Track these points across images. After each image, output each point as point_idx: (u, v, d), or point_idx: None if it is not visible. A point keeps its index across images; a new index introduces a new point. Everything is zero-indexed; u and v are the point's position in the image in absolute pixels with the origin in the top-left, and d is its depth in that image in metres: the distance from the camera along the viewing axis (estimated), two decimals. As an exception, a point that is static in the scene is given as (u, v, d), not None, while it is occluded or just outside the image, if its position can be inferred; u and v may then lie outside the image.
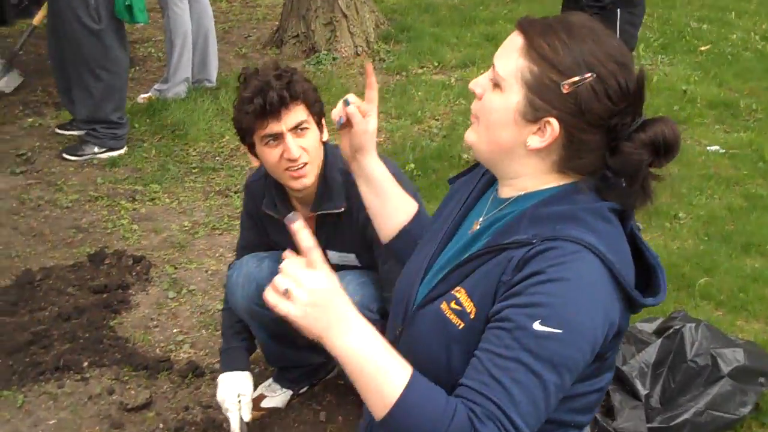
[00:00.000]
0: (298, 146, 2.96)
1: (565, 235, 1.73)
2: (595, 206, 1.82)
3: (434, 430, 1.66)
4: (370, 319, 3.06)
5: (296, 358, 3.58)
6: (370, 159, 2.20)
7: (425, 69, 7.70)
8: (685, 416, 3.36)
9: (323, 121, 3.12)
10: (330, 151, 3.16)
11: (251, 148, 3.08)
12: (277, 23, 8.63)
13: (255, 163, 3.15)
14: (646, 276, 1.89)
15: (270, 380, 3.68)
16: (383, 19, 8.60)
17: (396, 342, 1.96)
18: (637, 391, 3.41)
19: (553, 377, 1.69)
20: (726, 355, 3.50)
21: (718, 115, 6.78)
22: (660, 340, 3.52)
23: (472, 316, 1.79)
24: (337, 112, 2.16)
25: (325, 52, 7.85)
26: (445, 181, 5.34)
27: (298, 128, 2.98)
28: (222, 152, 6.07)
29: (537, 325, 1.67)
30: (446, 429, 1.65)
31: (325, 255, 3.21)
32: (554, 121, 1.78)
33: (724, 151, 6.13)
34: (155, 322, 4.19)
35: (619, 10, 4.72)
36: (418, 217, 2.31)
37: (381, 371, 1.70)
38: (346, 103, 2.14)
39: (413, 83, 7.30)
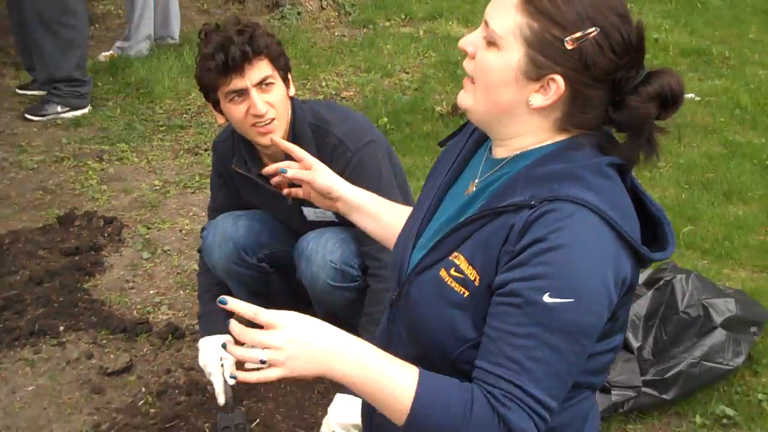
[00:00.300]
0: (264, 101, 2.87)
1: (563, 195, 1.65)
2: (593, 162, 1.74)
3: (457, 422, 1.64)
4: (350, 275, 3.02)
5: (278, 317, 3.48)
6: (344, 192, 2.25)
7: (392, 22, 7.57)
8: (680, 368, 3.31)
9: (289, 76, 3.02)
10: (298, 106, 3.07)
11: (216, 104, 2.98)
12: (237, -21, 8.44)
13: (221, 121, 3.04)
14: (652, 229, 1.82)
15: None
16: (348, -28, 8.44)
17: (394, 305, 1.95)
18: (629, 343, 3.35)
19: (572, 346, 1.64)
20: (718, 305, 3.45)
21: (691, 63, 6.74)
22: (651, 292, 3.47)
23: (476, 284, 1.72)
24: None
25: (290, 6, 7.67)
26: (419, 134, 5.33)
27: (263, 83, 2.87)
28: (189, 109, 5.93)
29: (547, 298, 1.60)
30: (469, 418, 1.63)
31: (301, 212, 3.14)
32: (559, 78, 1.68)
33: (699, 98, 6.09)
34: (131, 284, 4.06)
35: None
36: None
37: (388, 382, 1.68)
38: (283, 171, 2.26)
39: (381, 36, 7.17)
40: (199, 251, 3.46)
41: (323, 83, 6.36)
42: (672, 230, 1.81)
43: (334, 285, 3.06)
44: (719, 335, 3.39)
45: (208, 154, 5.22)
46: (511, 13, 1.70)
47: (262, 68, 2.86)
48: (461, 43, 1.82)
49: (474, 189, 1.90)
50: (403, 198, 3.08)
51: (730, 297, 3.51)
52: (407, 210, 2.27)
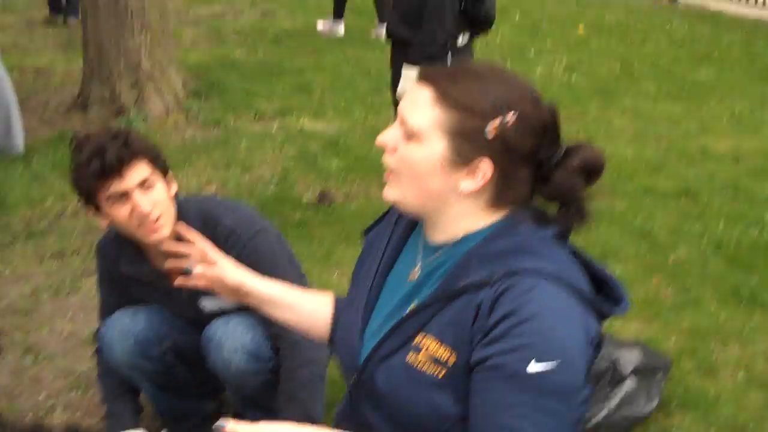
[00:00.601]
0: (148, 201, 2.80)
1: (521, 268, 1.69)
2: (540, 234, 1.79)
3: None
4: (263, 358, 2.96)
5: (188, 407, 3.40)
6: (254, 286, 2.21)
7: (242, 120, 7.55)
8: (598, 418, 3.40)
9: (170, 175, 2.97)
10: (182, 202, 3.01)
11: (97, 210, 2.88)
12: (76, 88, 8.27)
13: (103, 225, 2.96)
14: (601, 288, 1.85)
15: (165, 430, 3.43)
16: (190, 78, 8.40)
17: (354, 394, 1.93)
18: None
19: (564, 406, 1.67)
20: (624, 356, 3.57)
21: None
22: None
23: (450, 363, 1.72)
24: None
25: (135, 112, 7.55)
26: (291, 223, 5.29)
27: (143, 185, 2.81)
28: (46, 215, 5.69)
29: (532, 365, 1.62)
30: None
31: (197, 305, 3.05)
32: (486, 163, 1.74)
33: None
34: (18, 390, 3.82)
35: (450, 54, 4.83)
36: (338, 298, 2.29)
37: None
38: (187, 271, 2.21)
39: (234, 134, 7.14)
40: (95, 353, 3.34)
41: (183, 182, 6.25)
42: (621, 287, 1.85)
43: (248, 370, 2.98)
44: (630, 384, 3.49)
45: (76, 257, 5.02)
46: (427, 108, 1.75)
47: (140, 170, 2.79)
48: (379, 140, 1.84)
49: (417, 276, 1.90)
50: (302, 280, 3.07)
51: (633, 347, 3.62)
52: (321, 296, 2.29)
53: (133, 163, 2.77)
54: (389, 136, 1.81)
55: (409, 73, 4.73)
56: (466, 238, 1.83)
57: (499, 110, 1.71)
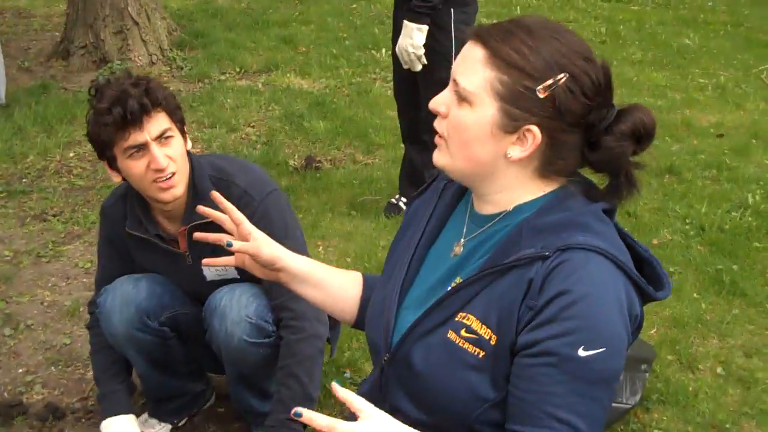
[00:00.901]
0: (164, 155, 2.76)
1: (575, 243, 1.67)
2: (591, 209, 1.76)
3: None
4: (266, 330, 2.92)
5: (176, 386, 3.36)
6: (288, 262, 2.11)
7: (228, 75, 7.48)
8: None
9: (185, 129, 2.94)
10: (195, 159, 2.98)
11: (111, 162, 2.84)
12: (57, 33, 8.16)
13: (116, 179, 2.92)
14: (641, 270, 1.84)
15: (145, 415, 3.42)
16: (175, 25, 8.29)
17: (386, 371, 1.90)
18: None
19: (609, 392, 1.69)
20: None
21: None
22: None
23: (492, 343, 1.71)
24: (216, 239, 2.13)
25: (118, 62, 7.47)
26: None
27: (162, 137, 2.77)
28: (29, 173, 5.63)
29: (581, 352, 1.62)
30: None
31: (201, 272, 3.03)
32: (535, 128, 1.70)
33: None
34: (-4, 364, 3.80)
35: (452, 10, 4.68)
36: (366, 278, 2.24)
37: None
38: (229, 245, 2.06)
39: (219, 90, 7.07)
40: (88, 327, 3.28)
41: (167, 140, 6.20)
42: (663, 270, 1.84)
43: (250, 341, 2.95)
44: (616, 375, 3.48)
45: (59, 220, 4.99)
46: (479, 69, 1.71)
47: (160, 121, 2.76)
48: (432, 104, 1.81)
49: (462, 249, 1.88)
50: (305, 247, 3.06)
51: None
52: (349, 274, 2.24)
53: (153, 114, 2.73)
54: (441, 101, 1.78)
55: (408, 28, 4.60)
56: (516, 210, 1.81)
57: (551, 70, 1.68)
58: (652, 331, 4.14)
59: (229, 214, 2.11)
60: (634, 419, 3.55)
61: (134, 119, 2.69)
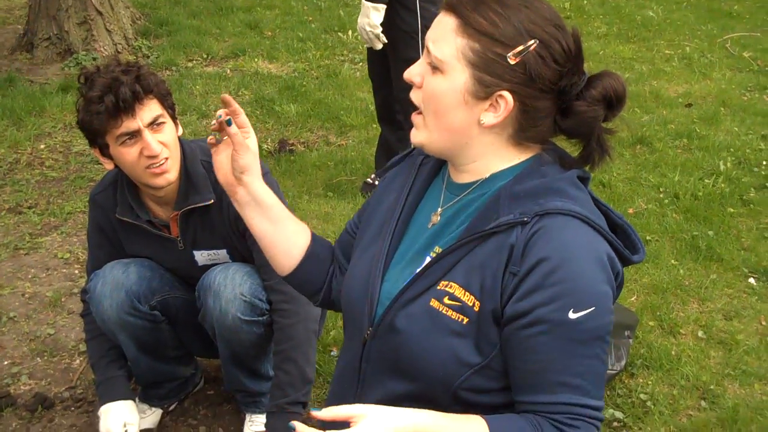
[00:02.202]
0: (157, 141, 2.76)
1: (553, 208, 1.71)
2: (566, 175, 1.79)
3: None
4: (259, 308, 2.92)
5: (166, 371, 3.35)
6: (257, 181, 2.02)
7: (195, 62, 7.45)
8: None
9: (176, 115, 2.93)
10: (186, 145, 2.99)
11: (102, 150, 2.83)
12: (20, 26, 8.08)
13: (109, 167, 2.92)
14: (616, 236, 1.87)
15: (136, 400, 3.40)
16: (138, 14, 8.24)
17: (369, 342, 1.90)
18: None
19: (604, 346, 1.73)
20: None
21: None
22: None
23: (476, 309, 1.73)
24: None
25: (84, 53, 7.41)
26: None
27: (154, 123, 2.78)
28: (0, 167, 5.57)
29: (572, 314, 1.66)
30: None
31: (192, 256, 3.03)
32: (507, 94, 1.72)
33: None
34: (-19, 357, 3.78)
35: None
36: (315, 236, 2.19)
37: None
38: (228, 122, 1.93)
39: (187, 77, 7.04)
40: (82, 316, 3.28)
41: (138, 129, 6.16)
42: (638, 235, 1.87)
43: (244, 319, 2.96)
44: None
45: (34, 212, 4.96)
46: (451, 37, 1.74)
47: (152, 108, 2.76)
48: (406, 74, 1.83)
49: (439, 218, 1.90)
50: None
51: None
52: (301, 224, 2.17)
53: (145, 101, 2.73)
54: (415, 71, 1.81)
55: (365, 7, 4.63)
56: (492, 177, 1.83)
57: (521, 37, 1.70)
58: (632, 299, 4.19)
59: (237, 115, 1.96)
60: (620, 385, 3.60)
61: (126, 107, 2.68)
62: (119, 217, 3.02)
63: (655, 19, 9.03)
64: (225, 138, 1.99)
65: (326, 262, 2.19)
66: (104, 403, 3.08)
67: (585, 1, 9.60)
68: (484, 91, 1.73)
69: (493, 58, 1.70)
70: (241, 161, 1.96)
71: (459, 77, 1.73)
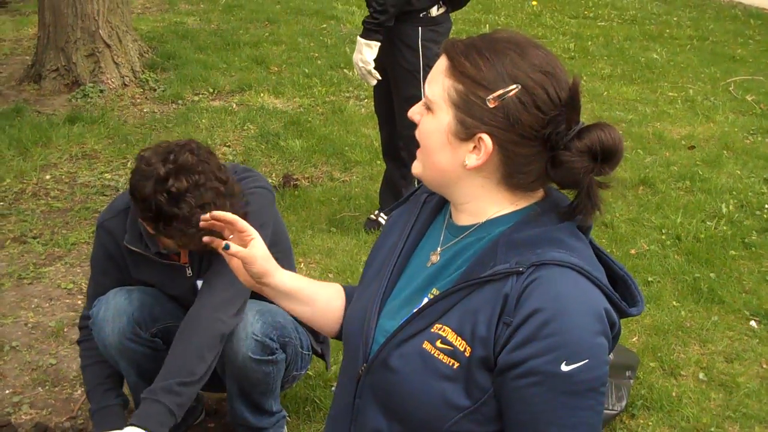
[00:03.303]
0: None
1: (549, 259, 1.71)
2: (565, 225, 1.80)
3: None
4: (270, 348, 2.94)
5: (167, 401, 3.33)
6: (278, 277, 2.09)
7: (201, 96, 7.48)
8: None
9: None
10: None
11: (159, 230, 2.86)
12: (28, 57, 8.14)
13: (151, 231, 2.92)
14: (616, 287, 1.87)
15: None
16: (146, 47, 8.30)
17: (363, 378, 1.90)
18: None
19: (598, 398, 1.72)
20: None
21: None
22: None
23: (467, 355, 1.73)
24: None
25: (91, 84, 7.45)
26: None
27: None
28: (6, 197, 5.60)
29: (564, 367, 1.66)
30: None
31: (196, 287, 3.04)
32: (485, 137, 1.74)
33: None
34: (-18, 386, 3.78)
35: (420, 28, 4.75)
36: (347, 289, 2.23)
37: None
38: (226, 247, 2.03)
39: (193, 111, 7.07)
40: (78, 342, 3.28)
41: (143, 161, 6.19)
42: (638, 287, 1.87)
43: (254, 358, 2.98)
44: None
45: (39, 242, 4.97)
46: (440, 79, 1.79)
47: None
48: (409, 114, 1.88)
49: (438, 258, 1.91)
50: (285, 257, 3.11)
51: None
52: (332, 286, 2.24)
53: None
54: (416, 110, 1.86)
55: (359, 44, 4.71)
56: (490, 223, 1.84)
57: (503, 81, 1.72)
58: (633, 339, 4.20)
59: (233, 223, 2.07)
60: (621, 425, 3.60)
61: None
62: (127, 245, 3.04)
63: (659, 62, 9.09)
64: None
65: None
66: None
67: (589, 42, 9.67)
68: (465, 133, 1.76)
69: (474, 100, 1.73)
70: (255, 270, 2.05)
71: (444, 117, 1.78)
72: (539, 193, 1.86)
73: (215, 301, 2.92)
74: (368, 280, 2.04)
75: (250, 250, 2.05)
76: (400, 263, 1.98)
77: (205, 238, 2.13)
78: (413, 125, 1.88)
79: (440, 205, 2.01)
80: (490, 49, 1.75)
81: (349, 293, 2.21)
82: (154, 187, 2.72)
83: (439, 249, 1.92)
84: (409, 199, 2.13)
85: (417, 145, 1.88)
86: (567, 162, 1.72)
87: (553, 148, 1.75)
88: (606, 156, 1.72)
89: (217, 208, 2.68)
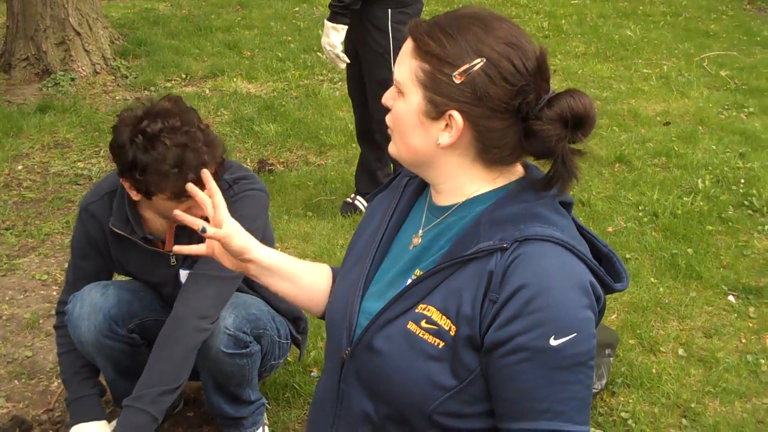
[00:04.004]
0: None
1: (532, 234, 1.70)
2: (547, 200, 1.78)
3: None
4: (243, 342, 2.91)
5: (143, 394, 3.29)
6: (258, 254, 2.05)
7: (173, 82, 7.43)
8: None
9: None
10: None
11: (139, 187, 2.78)
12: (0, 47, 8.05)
13: (135, 197, 2.86)
14: (601, 264, 1.86)
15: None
16: (117, 34, 8.22)
17: (348, 362, 1.88)
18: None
19: (587, 371, 1.71)
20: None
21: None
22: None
23: (452, 334, 1.72)
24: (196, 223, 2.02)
25: (62, 73, 7.38)
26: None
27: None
28: (-25, 187, 5.54)
29: (552, 341, 1.65)
30: None
31: (177, 275, 3.01)
32: (455, 114, 1.73)
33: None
34: (-43, 380, 3.73)
35: (389, 10, 4.72)
36: (333, 270, 2.21)
37: None
38: (203, 231, 1.99)
39: (166, 97, 7.00)
40: (56, 328, 3.24)
41: (117, 149, 6.13)
42: (622, 264, 1.86)
43: (227, 352, 2.95)
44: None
45: (11, 233, 4.92)
46: (407, 60, 1.78)
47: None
48: (383, 100, 1.86)
49: (420, 240, 1.89)
50: None
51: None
52: (319, 267, 2.22)
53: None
54: (389, 95, 1.84)
55: (326, 27, 4.69)
56: (471, 201, 1.83)
57: (467, 56, 1.71)
58: (612, 317, 4.20)
59: (212, 195, 2.04)
60: (601, 403, 3.60)
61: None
62: (112, 228, 2.99)
63: (632, 39, 9.08)
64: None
65: None
66: (76, 423, 3.05)
67: (563, 21, 9.65)
68: (435, 111, 1.75)
69: (441, 78, 1.72)
70: (234, 247, 2.01)
71: (414, 98, 1.77)
72: (519, 171, 1.85)
73: (199, 307, 2.88)
74: (350, 264, 2.03)
75: (225, 229, 2.01)
76: (383, 247, 1.97)
77: (187, 219, 2.06)
78: (386, 108, 1.85)
79: (421, 187, 1.99)
80: (454, 26, 1.74)
81: (337, 274, 2.18)
82: (130, 131, 2.70)
83: (420, 231, 1.91)
84: (391, 183, 2.11)
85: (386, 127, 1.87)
86: (539, 131, 1.71)
87: (524, 119, 1.73)
88: (577, 122, 1.71)
89: (196, 153, 2.68)
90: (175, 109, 2.76)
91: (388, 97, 1.84)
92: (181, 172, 2.67)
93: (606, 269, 1.81)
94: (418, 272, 1.84)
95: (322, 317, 2.18)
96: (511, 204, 1.77)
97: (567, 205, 1.83)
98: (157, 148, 2.68)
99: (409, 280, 1.84)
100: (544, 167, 1.83)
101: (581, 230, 1.85)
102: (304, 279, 2.15)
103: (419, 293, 1.78)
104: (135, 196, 2.84)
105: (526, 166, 1.87)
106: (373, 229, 2.02)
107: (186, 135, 2.71)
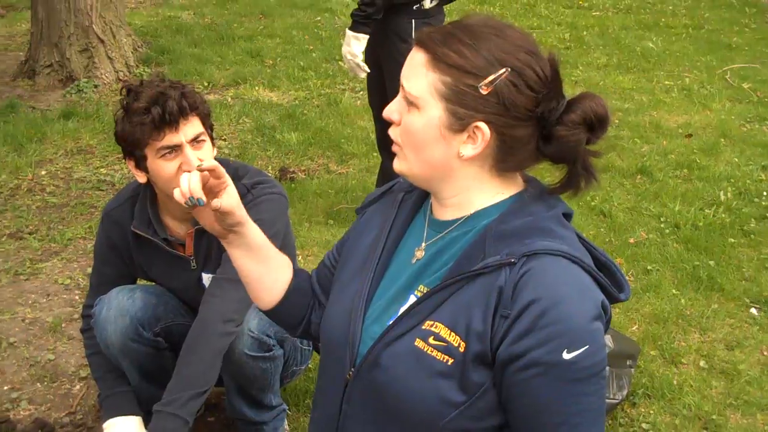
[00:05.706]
0: (197, 157, 2.77)
1: (540, 248, 1.70)
2: (552, 214, 1.79)
3: None
4: (266, 345, 2.92)
5: (168, 398, 3.31)
6: (249, 227, 2.02)
7: (196, 90, 7.44)
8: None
9: (213, 135, 2.96)
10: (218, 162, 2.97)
11: (138, 162, 2.85)
12: (21, 53, 8.10)
13: (142, 180, 2.92)
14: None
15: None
16: (140, 42, 8.27)
17: (350, 384, 1.87)
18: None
19: (602, 382, 1.72)
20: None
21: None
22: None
23: (461, 350, 1.71)
24: (186, 190, 1.89)
25: (85, 80, 7.43)
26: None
27: (195, 140, 2.81)
28: (1, 193, 5.56)
29: (566, 355, 1.65)
30: None
31: (200, 278, 3.02)
32: (482, 125, 1.72)
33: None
34: (-20, 382, 3.76)
35: (414, 21, 4.73)
36: (297, 269, 2.19)
37: None
38: (200, 203, 1.91)
39: (188, 105, 7.03)
40: (82, 331, 3.28)
41: (139, 156, 6.17)
42: (623, 274, 1.87)
43: (250, 355, 2.96)
44: (603, 370, 3.51)
45: (35, 237, 4.95)
46: (422, 73, 1.74)
47: (195, 124, 2.80)
48: (385, 113, 1.83)
49: (423, 254, 1.88)
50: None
51: (606, 333, 3.64)
52: (283, 257, 2.16)
53: (189, 117, 2.77)
54: (393, 109, 1.81)
55: (347, 36, 4.70)
56: (477, 215, 1.82)
57: (492, 66, 1.69)
58: (634, 328, 4.19)
59: (213, 169, 1.92)
60: (622, 414, 3.59)
61: (172, 120, 2.73)
62: (135, 230, 3.02)
63: (654, 50, 9.06)
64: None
65: (308, 295, 2.18)
66: (110, 417, 3.07)
67: (585, 33, 9.64)
68: (459, 124, 1.73)
69: (465, 89, 1.70)
70: (227, 219, 1.96)
71: (434, 112, 1.73)
72: (520, 183, 1.85)
73: (224, 310, 2.89)
74: (346, 279, 2.00)
75: (228, 200, 1.94)
76: (383, 262, 1.95)
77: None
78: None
79: (419, 203, 1.98)
80: (470, 35, 1.73)
81: (297, 272, 2.17)
82: (120, 113, 2.83)
83: (423, 245, 1.89)
84: (384, 196, 2.09)
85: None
86: (563, 136, 1.73)
87: (545, 125, 1.74)
88: (599, 124, 1.74)
89: (169, 98, 2.73)
90: (173, 81, 2.87)
91: (392, 111, 1.81)
92: (161, 111, 2.72)
93: (607, 279, 1.82)
94: (422, 288, 1.83)
95: (269, 310, 2.14)
96: (516, 218, 1.77)
97: (567, 216, 1.84)
98: (133, 106, 2.77)
99: (412, 296, 1.83)
100: (542, 175, 1.86)
101: (581, 241, 1.84)
102: (272, 265, 2.11)
103: (426, 310, 1.77)
104: (140, 176, 2.89)
105: (526, 178, 1.87)
106: (370, 242, 1.99)
107: (164, 83, 2.81)
